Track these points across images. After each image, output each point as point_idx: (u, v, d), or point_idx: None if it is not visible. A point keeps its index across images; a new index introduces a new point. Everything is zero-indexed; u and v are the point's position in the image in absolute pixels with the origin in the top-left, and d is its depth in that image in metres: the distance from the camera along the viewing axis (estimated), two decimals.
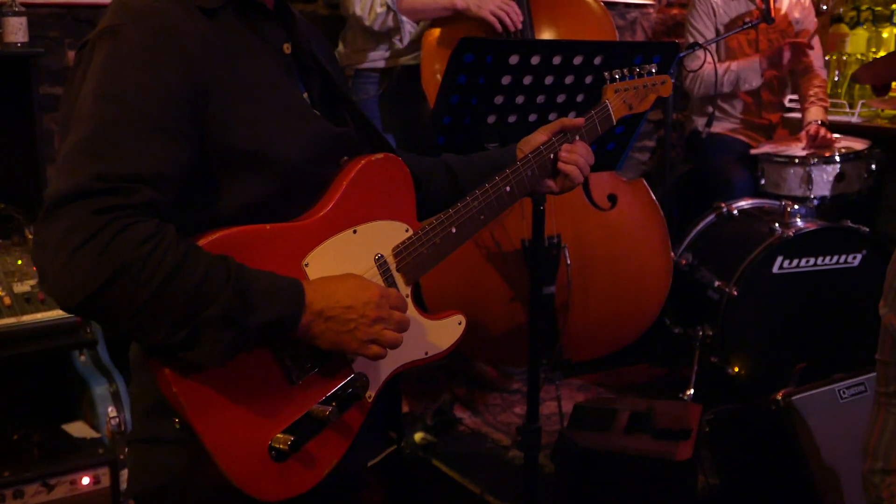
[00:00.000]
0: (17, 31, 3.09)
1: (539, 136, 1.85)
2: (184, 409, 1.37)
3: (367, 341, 1.47)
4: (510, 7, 3.17)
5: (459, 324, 1.72)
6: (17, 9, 3.09)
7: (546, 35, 3.31)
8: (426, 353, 1.67)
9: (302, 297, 1.41)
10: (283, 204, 1.48)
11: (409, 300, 1.63)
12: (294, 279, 1.43)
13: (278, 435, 1.44)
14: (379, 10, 3.29)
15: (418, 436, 3.27)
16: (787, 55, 4.20)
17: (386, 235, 1.61)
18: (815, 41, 4.41)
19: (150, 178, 1.31)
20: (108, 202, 1.27)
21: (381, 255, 1.59)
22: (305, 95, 1.59)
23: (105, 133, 1.32)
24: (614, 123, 1.95)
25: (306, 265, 1.48)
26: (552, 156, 1.81)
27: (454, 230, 1.67)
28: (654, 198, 3.42)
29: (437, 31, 3.31)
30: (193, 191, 1.40)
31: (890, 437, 1.91)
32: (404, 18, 3.31)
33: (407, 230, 1.64)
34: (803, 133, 4.17)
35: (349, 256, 1.54)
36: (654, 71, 2.01)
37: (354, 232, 1.55)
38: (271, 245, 1.45)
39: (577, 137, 1.86)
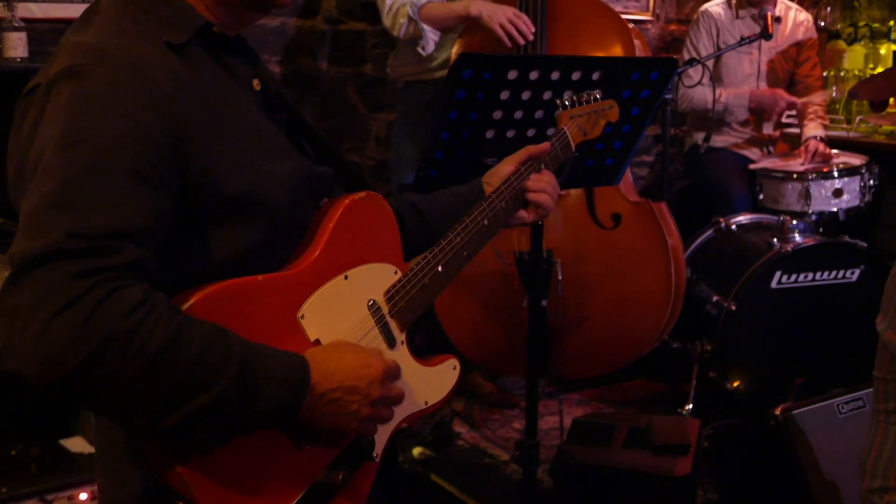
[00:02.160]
0: (17, 46, 3.10)
1: (505, 167, 1.82)
2: (190, 490, 1.25)
3: (365, 421, 1.38)
4: (521, 20, 3.18)
5: (454, 368, 1.68)
6: (16, 24, 3.11)
7: (563, 51, 3.31)
8: (426, 403, 1.62)
9: (307, 379, 1.29)
10: (269, 252, 1.37)
11: (405, 347, 1.57)
12: (300, 358, 1.30)
13: None
14: (401, 20, 3.36)
15: (417, 451, 3.26)
16: (780, 104, 4.26)
17: (376, 279, 1.53)
18: (815, 56, 4.44)
19: (131, 233, 1.16)
20: (89, 264, 1.11)
21: (374, 301, 1.52)
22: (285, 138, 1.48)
23: (76, 183, 1.15)
24: (573, 152, 1.95)
25: (302, 318, 1.39)
26: (523, 184, 1.80)
27: (440, 269, 1.61)
28: (660, 221, 3.34)
29: (460, 42, 3.36)
30: (176, 243, 1.26)
31: (889, 455, 1.90)
32: (425, 27, 3.35)
33: (396, 272, 1.57)
34: (802, 148, 4.18)
35: (343, 305, 1.46)
36: (598, 97, 2.01)
37: (346, 278, 1.47)
38: (265, 298, 1.35)
39: (542, 166, 1.85)
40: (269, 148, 1.39)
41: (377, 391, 1.37)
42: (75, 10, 3.43)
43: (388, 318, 1.54)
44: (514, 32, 3.18)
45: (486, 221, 1.70)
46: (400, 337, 1.56)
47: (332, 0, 4.00)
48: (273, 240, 1.37)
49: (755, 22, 4.30)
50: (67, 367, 1.09)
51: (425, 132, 3.40)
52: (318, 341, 1.41)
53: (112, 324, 1.10)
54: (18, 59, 3.10)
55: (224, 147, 1.30)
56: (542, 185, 1.81)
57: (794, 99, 4.31)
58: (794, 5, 4.49)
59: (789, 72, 4.45)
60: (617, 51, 3.32)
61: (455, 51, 3.40)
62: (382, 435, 1.52)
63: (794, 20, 4.41)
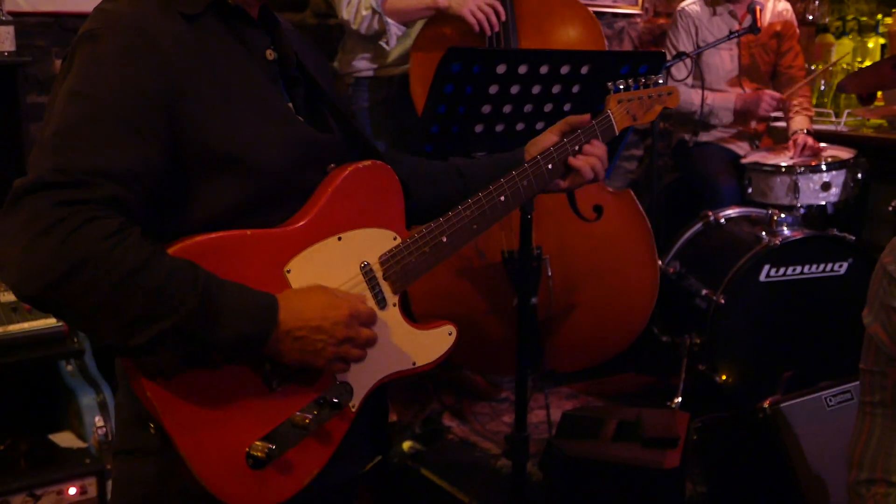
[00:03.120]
0: (5, 40, 3.08)
1: (549, 138, 1.84)
2: (158, 413, 1.35)
3: (332, 359, 1.45)
4: (490, 8, 3.15)
5: (450, 334, 1.70)
6: (4, 18, 3.08)
7: (531, 42, 3.31)
8: (414, 364, 1.65)
9: (275, 315, 1.39)
10: (265, 211, 1.47)
11: (396, 309, 1.61)
12: (269, 295, 1.40)
13: (256, 442, 1.42)
14: (364, 12, 3.27)
15: (407, 445, 3.27)
16: (763, 106, 4.26)
17: (373, 243, 1.58)
18: (796, 45, 4.45)
19: (115, 173, 1.30)
20: (70, 195, 1.26)
21: (367, 263, 1.57)
22: (290, 105, 1.57)
23: (71, 128, 1.32)
24: (616, 134, 1.92)
25: (288, 272, 1.46)
26: (550, 166, 1.79)
27: (445, 239, 1.64)
28: (640, 209, 3.40)
29: (422, 35, 3.31)
30: (170, 195, 1.39)
31: (875, 447, 1.91)
32: (389, 20, 3.29)
33: (395, 238, 1.61)
34: (791, 142, 4.19)
35: (333, 264, 1.52)
36: (660, 81, 1.99)
37: (339, 239, 1.53)
38: (252, 251, 1.43)
39: (593, 139, 1.84)
40: (267, 112, 1.48)
41: (342, 332, 1.44)
42: (62, 4, 3.43)
43: (381, 280, 1.59)
44: (484, 20, 3.14)
45: (502, 198, 1.72)
46: (392, 299, 1.60)
47: None
48: (268, 200, 1.46)
49: (733, 17, 4.30)
50: (45, 280, 1.24)
51: (384, 131, 3.40)
52: None
53: (87, 246, 1.25)
54: (6, 53, 3.08)
55: (219, 108, 1.42)
56: (591, 155, 1.82)
57: (779, 95, 4.31)
58: None
59: (771, 64, 4.45)
60: (584, 41, 3.32)
61: (412, 44, 3.34)
62: (361, 388, 1.55)
63: (773, 10, 4.41)
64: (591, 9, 3.52)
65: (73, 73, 1.37)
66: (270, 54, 1.56)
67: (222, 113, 1.42)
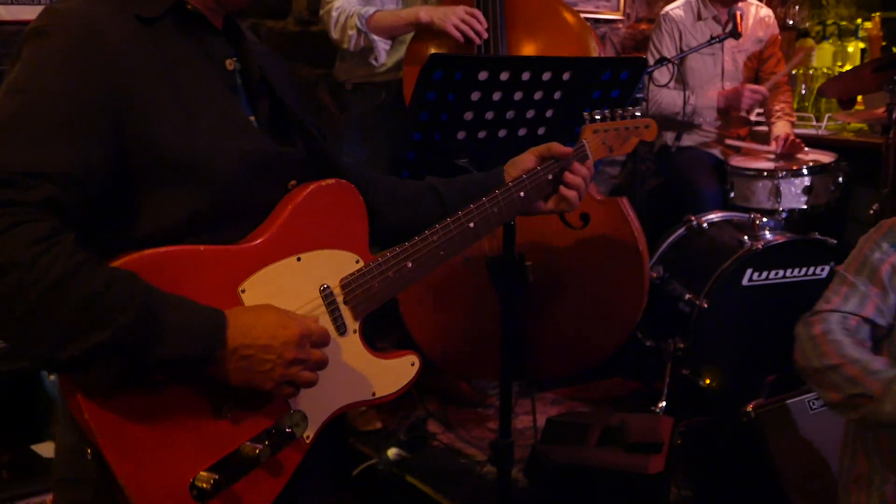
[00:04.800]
0: None
1: (527, 161, 1.83)
2: (95, 436, 1.26)
3: (281, 382, 1.37)
4: (473, 18, 3.15)
5: (413, 364, 1.63)
6: None
7: (521, 50, 3.31)
8: (373, 394, 1.58)
9: (222, 332, 1.31)
10: (219, 226, 1.40)
11: (357, 336, 1.55)
12: (216, 311, 1.33)
13: (202, 473, 1.34)
14: (350, 32, 3.30)
15: (392, 452, 3.26)
16: (745, 100, 4.28)
17: (334, 265, 1.51)
18: (779, 52, 4.47)
19: (52, 174, 1.23)
20: (1, 195, 1.19)
21: (328, 287, 1.50)
22: (253, 119, 1.51)
23: (7, 126, 1.25)
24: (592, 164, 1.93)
25: (242, 292, 1.39)
26: (521, 193, 1.77)
27: (410, 265, 1.58)
28: (629, 218, 3.35)
29: (412, 49, 3.32)
30: (116, 204, 1.33)
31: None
32: (375, 37, 3.31)
33: (357, 261, 1.55)
34: (772, 141, 4.22)
35: (291, 285, 1.45)
36: (638, 114, 2.00)
37: (298, 259, 1.46)
38: (204, 268, 1.35)
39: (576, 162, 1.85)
40: (224, 123, 1.42)
41: (292, 352, 1.37)
42: None
43: (341, 305, 1.52)
44: (469, 31, 3.14)
45: (471, 224, 1.69)
46: (353, 325, 1.54)
47: (302, 1, 3.98)
48: (223, 214, 1.40)
49: (717, 23, 4.32)
50: None
51: (379, 135, 3.41)
52: None
53: (10, 253, 1.17)
54: None
55: (171, 112, 1.35)
56: (578, 181, 1.82)
57: (760, 87, 4.31)
58: (755, 2, 4.51)
59: (753, 69, 4.48)
60: (575, 47, 3.32)
61: (405, 56, 3.35)
62: (316, 418, 1.49)
63: (756, 16, 4.43)
64: (581, 14, 3.52)
65: (17, 69, 1.31)
66: (231, 64, 1.50)
67: (174, 118, 1.35)
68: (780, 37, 4.53)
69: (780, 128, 4.29)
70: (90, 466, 1.32)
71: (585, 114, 1.93)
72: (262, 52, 1.62)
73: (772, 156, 4.18)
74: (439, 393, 3.86)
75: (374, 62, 3.39)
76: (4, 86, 1.30)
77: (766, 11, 4.48)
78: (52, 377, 2.87)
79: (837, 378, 1.93)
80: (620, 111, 1.98)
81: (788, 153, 4.13)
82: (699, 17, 4.36)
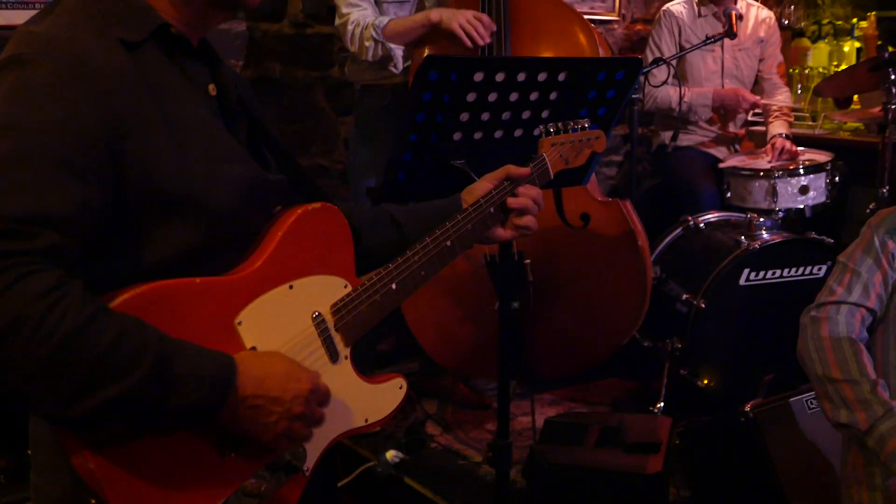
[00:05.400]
0: None
1: (484, 185, 1.81)
2: (101, 487, 1.22)
3: (281, 435, 1.36)
4: (480, 20, 3.18)
5: (400, 388, 1.63)
6: None
7: (525, 52, 3.31)
8: (366, 421, 1.58)
9: (232, 382, 1.28)
10: (211, 255, 1.36)
11: (348, 362, 1.55)
12: (228, 358, 1.30)
13: None
14: (367, 43, 3.33)
15: (390, 454, 3.26)
16: (742, 105, 4.30)
17: (323, 291, 1.51)
18: (779, 53, 4.49)
19: (53, 220, 1.16)
20: (4, 246, 1.13)
21: (319, 314, 1.49)
22: (238, 144, 1.47)
23: (1, 169, 1.16)
24: (551, 177, 1.95)
25: (239, 324, 1.37)
26: (492, 209, 1.78)
27: (394, 286, 1.58)
28: (629, 219, 3.36)
29: (417, 54, 3.34)
30: (113, 240, 1.27)
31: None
32: (392, 45, 3.34)
33: (346, 286, 1.54)
34: (769, 146, 4.22)
35: (285, 314, 1.44)
36: (586, 126, 2.02)
37: (290, 287, 1.45)
38: (201, 301, 1.32)
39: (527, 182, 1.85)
40: (216, 150, 1.38)
41: (300, 407, 1.36)
42: None
43: (333, 332, 1.51)
44: (474, 32, 3.17)
45: (448, 243, 1.68)
46: (344, 352, 1.54)
47: (298, 4, 3.98)
48: (216, 243, 1.37)
49: (717, 20, 4.33)
50: None
51: (384, 136, 3.43)
52: (254, 349, 1.39)
53: (19, 307, 1.11)
54: None
55: (166, 146, 1.30)
56: (527, 204, 1.80)
57: (757, 98, 4.35)
58: (757, 3, 4.52)
59: (753, 69, 4.49)
60: (581, 50, 3.32)
61: (414, 57, 3.38)
62: (315, 449, 1.50)
63: (757, 17, 4.45)
64: (585, 17, 3.52)
65: (0, 103, 1.21)
66: (213, 89, 1.45)
67: (170, 150, 1.30)
68: (780, 38, 4.54)
69: (778, 127, 4.29)
70: None
71: (541, 127, 1.95)
72: (234, 75, 1.57)
73: (768, 157, 4.19)
74: (438, 395, 3.86)
75: (394, 69, 3.43)
76: None
77: (767, 13, 4.51)
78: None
79: (834, 394, 2.03)
80: (572, 123, 1.99)
81: (785, 159, 4.14)
82: (699, 15, 4.38)
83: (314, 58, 4.08)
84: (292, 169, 1.57)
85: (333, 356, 1.51)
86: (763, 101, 4.36)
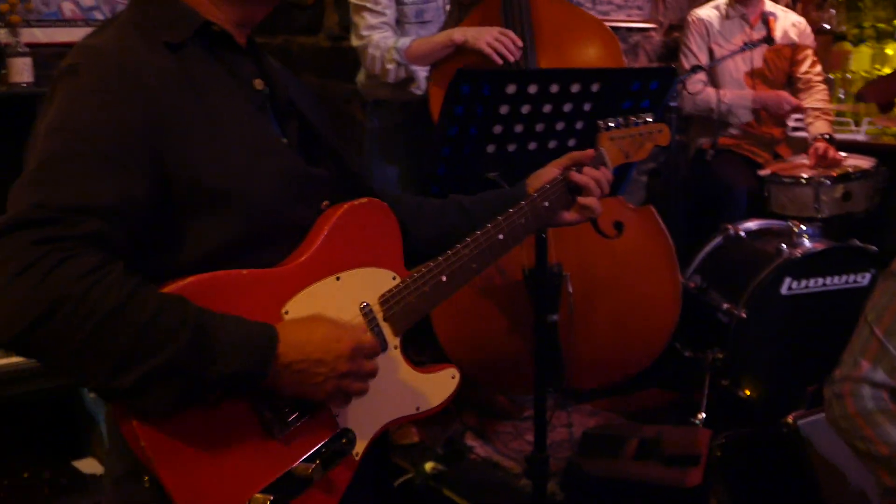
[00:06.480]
0: (23, 71, 3.13)
1: (550, 171, 1.82)
2: (153, 464, 1.28)
3: (333, 393, 1.40)
4: (507, 38, 3.17)
5: (453, 377, 1.65)
6: (21, 49, 3.13)
7: (550, 62, 3.31)
8: (417, 409, 1.60)
9: (274, 348, 1.33)
10: (258, 249, 1.41)
11: (398, 352, 1.56)
12: (268, 325, 1.35)
13: (257, 495, 1.35)
14: (389, 66, 3.34)
15: (429, 465, 3.26)
16: (784, 108, 4.26)
17: (371, 283, 1.53)
18: (812, 54, 4.43)
19: (97, 209, 1.25)
20: (49, 232, 1.21)
21: (367, 304, 1.52)
22: (284, 140, 1.52)
23: (51, 164, 1.27)
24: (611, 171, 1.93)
25: (286, 313, 1.41)
26: (546, 203, 1.77)
27: (444, 278, 1.59)
28: (661, 225, 3.36)
29: (439, 71, 3.33)
30: (159, 234, 1.34)
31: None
32: (415, 67, 3.34)
33: (394, 278, 1.56)
34: (811, 150, 4.16)
35: (332, 304, 1.46)
36: (650, 119, 1.99)
37: (338, 279, 1.48)
38: (248, 292, 1.37)
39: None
40: (257, 143, 1.43)
41: (345, 365, 1.39)
42: (79, 35, 3.43)
43: (381, 322, 1.54)
44: (503, 49, 3.16)
45: (500, 236, 1.69)
46: (393, 342, 1.56)
47: (333, 17, 4.01)
48: (259, 237, 1.41)
49: (744, 21, 4.30)
50: (16, 328, 1.17)
51: (402, 152, 3.42)
52: None
53: (61, 287, 1.18)
54: (25, 84, 3.13)
55: (207, 140, 1.37)
56: (589, 183, 1.80)
57: (799, 102, 4.29)
58: (789, 11, 4.48)
59: (785, 71, 4.44)
60: (605, 56, 3.31)
61: (430, 76, 3.35)
62: (365, 433, 1.51)
63: (787, 21, 4.41)
64: (605, 24, 3.52)
65: (54, 109, 1.33)
66: (259, 84, 1.51)
67: (212, 146, 1.37)
68: (815, 41, 4.49)
69: (819, 127, 4.23)
70: (145, 494, 1.34)
71: (600, 122, 1.92)
72: (285, 73, 1.62)
73: (808, 163, 4.13)
74: (477, 406, 3.85)
75: (416, 91, 3.42)
76: (43, 128, 1.31)
77: (797, 17, 4.46)
78: (92, 394, 2.91)
79: (889, 467, 1.94)
80: (634, 117, 1.97)
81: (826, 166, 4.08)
82: (727, 16, 4.36)
83: (350, 70, 4.09)
84: (344, 167, 1.61)
85: (382, 345, 1.53)
86: (805, 105, 4.31)
